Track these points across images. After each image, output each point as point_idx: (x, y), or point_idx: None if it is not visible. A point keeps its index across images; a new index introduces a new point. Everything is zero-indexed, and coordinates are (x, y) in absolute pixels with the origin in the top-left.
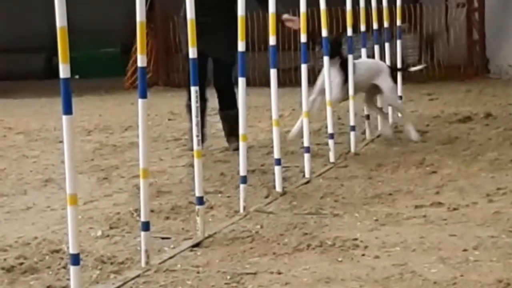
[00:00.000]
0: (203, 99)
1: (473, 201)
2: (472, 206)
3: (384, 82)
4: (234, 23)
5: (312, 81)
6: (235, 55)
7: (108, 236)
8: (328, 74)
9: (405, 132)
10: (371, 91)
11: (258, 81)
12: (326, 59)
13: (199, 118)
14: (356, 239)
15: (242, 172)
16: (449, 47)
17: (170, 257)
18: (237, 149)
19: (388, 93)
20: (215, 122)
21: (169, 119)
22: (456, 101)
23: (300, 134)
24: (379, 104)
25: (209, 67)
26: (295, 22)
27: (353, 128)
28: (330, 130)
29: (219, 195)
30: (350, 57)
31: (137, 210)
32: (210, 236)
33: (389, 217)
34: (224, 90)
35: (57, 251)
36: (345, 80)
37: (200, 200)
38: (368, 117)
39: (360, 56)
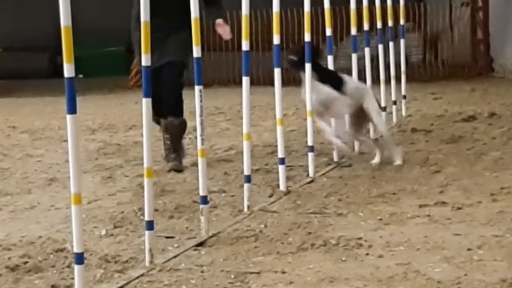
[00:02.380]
0: (164, 117)
1: (477, 200)
2: (476, 205)
3: (371, 104)
4: (188, 25)
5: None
6: (187, 57)
7: (112, 235)
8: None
9: (390, 155)
10: (357, 115)
11: (262, 80)
12: (330, 57)
13: (203, 117)
14: (360, 238)
15: (246, 171)
16: (453, 46)
17: (174, 256)
18: (176, 169)
19: (377, 117)
20: (219, 122)
21: None
22: (460, 100)
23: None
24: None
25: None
26: (226, 31)
27: None
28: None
29: (223, 194)
30: (354, 56)
31: (141, 209)
32: (214, 235)
33: (393, 217)
34: (170, 94)
35: (61, 250)
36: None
37: (204, 199)
38: None
39: (363, 57)
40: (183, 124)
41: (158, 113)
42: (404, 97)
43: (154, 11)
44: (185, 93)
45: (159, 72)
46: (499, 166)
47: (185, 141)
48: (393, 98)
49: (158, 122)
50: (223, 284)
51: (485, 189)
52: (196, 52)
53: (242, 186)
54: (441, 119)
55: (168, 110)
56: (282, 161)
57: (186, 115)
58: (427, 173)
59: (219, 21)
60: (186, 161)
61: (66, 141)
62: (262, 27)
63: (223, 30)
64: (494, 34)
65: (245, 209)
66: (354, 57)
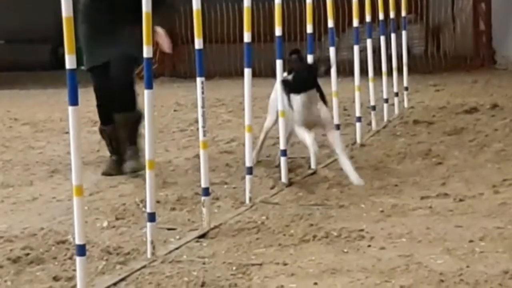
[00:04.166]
0: (113, 122)
1: (479, 192)
2: (478, 197)
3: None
4: (140, 19)
5: None
6: (139, 51)
7: (114, 227)
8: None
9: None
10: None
11: (264, 72)
12: (332, 49)
13: (205, 109)
14: (362, 230)
15: (248, 163)
16: (455, 38)
17: (176, 248)
18: (135, 170)
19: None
20: (220, 113)
21: (175, 110)
22: (462, 92)
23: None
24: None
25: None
26: (165, 43)
27: (359, 119)
28: (336, 121)
29: (225, 186)
30: (356, 47)
31: (143, 201)
32: (216, 227)
33: (395, 208)
34: (122, 87)
35: (63, 242)
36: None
37: (206, 191)
38: (374, 108)
39: (365, 48)
40: (139, 117)
41: (107, 114)
42: (406, 88)
43: (105, 4)
44: (178, 86)
45: (107, 69)
46: (501, 157)
47: (190, 132)
48: (395, 89)
49: (104, 133)
50: (225, 275)
51: (487, 181)
52: (198, 44)
53: (244, 178)
54: (443, 111)
55: (123, 105)
56: (284, 153)
57: (139, 106)
58: (429, 165)
59: (159, 30)
60: (187, 153)
61: (67, 133)
62: (264, 19)
63: (162, 40)
64: (497, 25)
65: (247, 201)
66: (356, 48)
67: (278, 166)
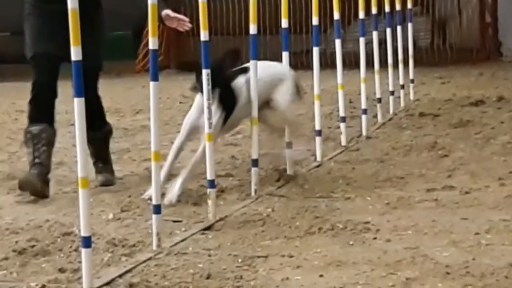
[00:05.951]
0: (51, 125)
1: (485, 184)
2: (484, 190)
3: (281, 94)
4: (99, 15)
5: (323, 64)
6: (101, 57)
7: (119, 219)
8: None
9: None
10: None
11: None
12: (338, 41)
13: (211, 101)
14: (367, 222)
15: (254, 155)
16: (461, 30)
17: (182, 240)
18: (105, 183)
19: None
20: None
21: (180, 102)
22: (468, 84)
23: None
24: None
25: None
26: (180, 21)
27: (364, 112)
28: (341, 113)
29: (231, 178)
30: (362, 39)
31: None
32: (221, 219)
33: (401, 201)
34: (90, 108)
35: (69, 234)
36: (226, 119)
37: (212, 183)
38: (379, 100)
39: (371, 40)
40: (109, 133)
41: (40, 111)
42: (412, 81)
43: None
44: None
45: (55, 64)
46: (508, 150)
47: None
48: (401, 82)
49: (29, 139)
50: (230, 268)
51: (493, 173)
52: (204, 35)
53: (249, 170)
54: (449, 103)
55: (92, 125)
56: (289, 145)
57: (108, 117)
58: (435, 157)
59: (168, 12)
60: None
61: (73, 125)
62: (270, 11)
63: (177, 22)
64: (503, 18)
65: (253, 193)
66: (362, 41)
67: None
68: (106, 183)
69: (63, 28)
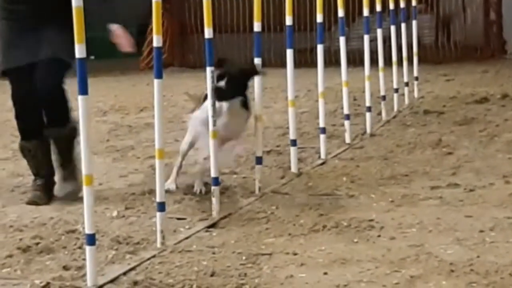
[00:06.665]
0: (38, 138)
1: (489, 182)
2: (489, 187)
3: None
4: (70, 13)
5: (327, 62)
6: (70, 52)
7: (123, 216)
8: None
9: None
10: None
11: (274, 62)
12: (342, 39)
13: (215, 99)
14: (371, 220)
15: (258, 153)
16: (465, 28)
17: (186, 238)
18: (71, 194)
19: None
20: None
21: (184, 100)
22: (472, 82)
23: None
24: None
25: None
26: (125, 41)
27: (369, 109)
28: (346, 111)
29: (235, 175)
30: (366, 37)
31: (152, 191)
32: (225, 216)
33: (405, 198)
34: (53, 98)
35: (73, 231)
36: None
37: (216, 181)
38: (384, 98)
39: (375, 37)
40: (74, 131)
41: (28, 128)
42: (416, 78)
43: None
44: (188, 76)
45: (30, 73)
46: None
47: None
48: (405, 79)
49: (24, 151)
50: (235, 265)
51: (497, 171)
52: (208, 33)
53: (253, 167)
54: (453, 101)
55: (55, 120)
56: (294, 143)
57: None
58: (439, 155)
59: (116, 28)
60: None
61: (77, 122)
62: (274, 8)
63: (120, 40)
64: (507, 15)
65: (257, 191)
66: (366, 38)
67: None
68: (69, 197)
69: (30, 29)
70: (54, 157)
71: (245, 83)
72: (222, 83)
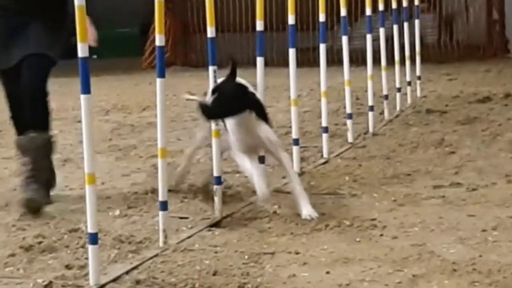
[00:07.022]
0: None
1: (492, 181)
2: (491, 187)
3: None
4: (53, 9)
5: (330, 61)
6: (53, 51)
7: (126, 215)
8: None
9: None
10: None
11: (276, 61)
12: (344, 38)
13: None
14: (374, 219)
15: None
16: (468, 27)
17: (188, 237)
18: (32, 203)
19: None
20: None
21: (187, 99)
22: (475, 81)
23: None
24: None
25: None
26: (91, 34)
27: (371, 108)
28: (348, 110)
29: (237, 175)
30: (368, 36)
31: (155, 190)
32: (228, 216)
33: (408, 198)
34: (33, 97)
35: (76, 230)
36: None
37: (218, 180)
38: (386, 97)
39: (378, 37)
40: (49, 142)
41: (24, 127)
42: (419, 78)
43: None
44: (190, 75)
45: (16, 74)
46: None
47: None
48: (408, 79)
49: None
50: (237, 264)
51: (500, 170)
52: (210, 32)
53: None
54: (456, 100)
55: (32, 122)
56: (296, 142)
57: (52, 129)
58: (442, 154)
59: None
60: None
61: (80, 121)
62: (277, 8)
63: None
64: (510, 14)
65: None
66: (368, 37)
67: None
68: (30, 204)
69: (19, 25)
70: (27, 167)
71: (240, 99)
72: (209, 99)
